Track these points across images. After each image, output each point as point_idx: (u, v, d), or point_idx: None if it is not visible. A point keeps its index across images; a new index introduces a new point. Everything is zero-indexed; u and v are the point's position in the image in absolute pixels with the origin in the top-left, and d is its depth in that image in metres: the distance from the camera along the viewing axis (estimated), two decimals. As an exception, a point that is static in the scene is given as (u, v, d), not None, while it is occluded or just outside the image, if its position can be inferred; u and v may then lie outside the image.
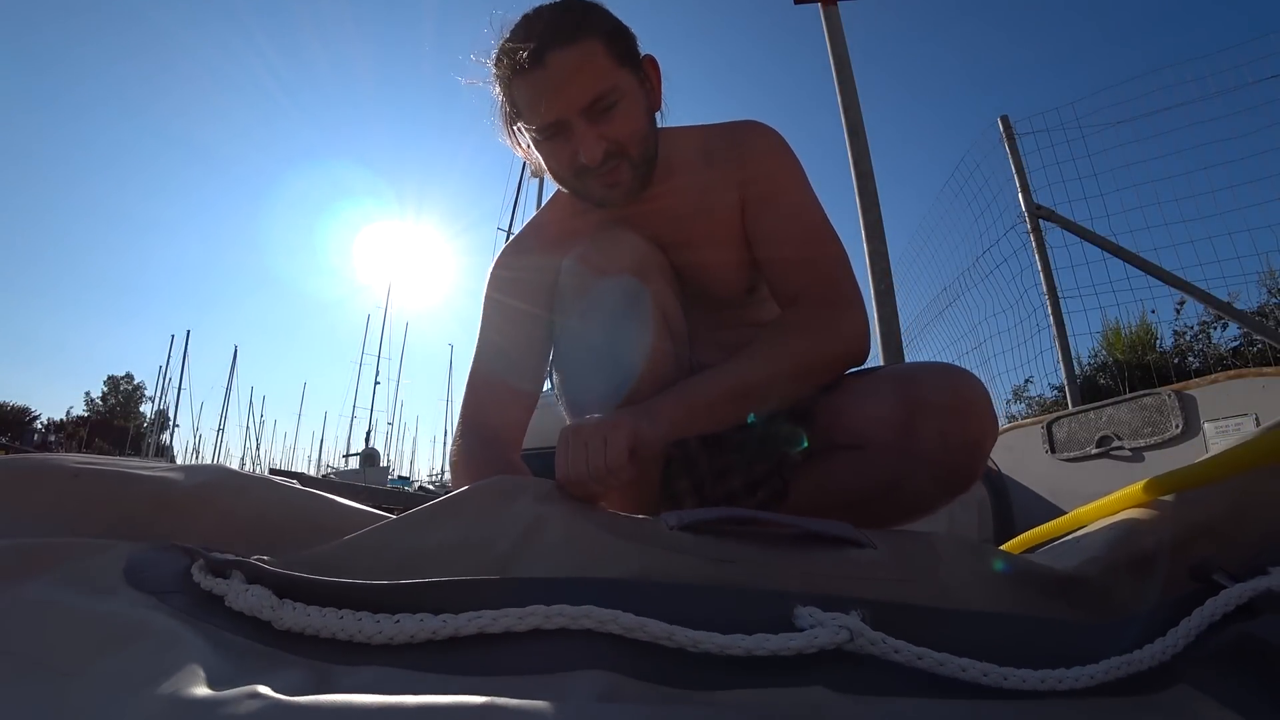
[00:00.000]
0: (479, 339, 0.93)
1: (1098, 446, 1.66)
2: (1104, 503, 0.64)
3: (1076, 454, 1.71)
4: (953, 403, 0.74)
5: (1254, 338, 3.46)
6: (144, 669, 0.30)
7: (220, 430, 34.48)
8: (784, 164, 0.89)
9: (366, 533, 0.47)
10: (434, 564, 0.43)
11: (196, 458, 39.37)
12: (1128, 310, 2.69)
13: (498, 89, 0.82)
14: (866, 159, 2.30)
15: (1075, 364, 2.66)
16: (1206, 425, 1.46)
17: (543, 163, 0.84)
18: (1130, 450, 1.59)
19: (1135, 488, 0.58)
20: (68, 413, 47.75)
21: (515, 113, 0.81)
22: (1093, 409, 1.70)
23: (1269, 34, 2.32)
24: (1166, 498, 0.55)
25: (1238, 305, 2.78)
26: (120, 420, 45.57)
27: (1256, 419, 1.38)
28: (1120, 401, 1.64)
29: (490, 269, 0.95)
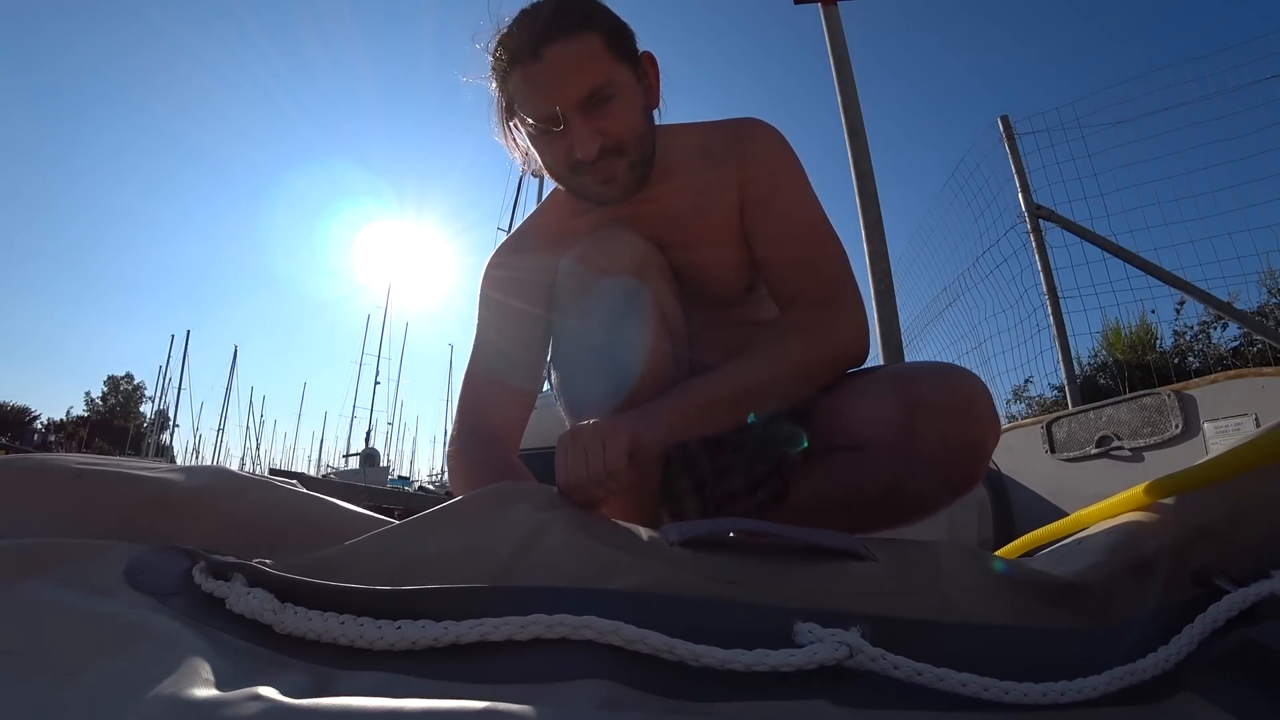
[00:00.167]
0: (475, 338, 0.93)
1: (1098, 446, 1.66)
2: (1104, 505, 0.64)
3: (1076, 454, 1.71)
4: (954, 403, 0.73)
5: (1254, 338, 3.46)
6: (144, 670, 0.30)
7: (220, 430, 34.48)
8: (784, 163, 0.89)
9: (368, 538, 0.47)
10: (435, 570, 0.43)
11: (196, 458, 39.37)
12: (1128, 310, 2.69)
13: (494, 84, 0.82)
14: (866, 159, 2.30)
15: (1075, 364, 2.66)
16: (1206, 425, 1.46)
17: (539, 158, 0.83)
18: (1130, 450, 1.59)
19: (1135, 490, 0.58)
20: (68, 413, 47.78)
21: (511, 107, 0.81)
22: (1093, 409, 1.70)
23: (1269, 34, 2.32)
24: (1167, 500, 0.55)
25: (1238, 305, 2.79)
26: (120, 420, 45.55)
27: (1256, 419, 1.38)
28: (1120, 401, 1.64)
29: (485, 268, 0.95)
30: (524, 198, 13.01)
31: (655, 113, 0.86)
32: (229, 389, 34.61)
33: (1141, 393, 1.61)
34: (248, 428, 36.98)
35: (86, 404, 48.45)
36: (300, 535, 0.51)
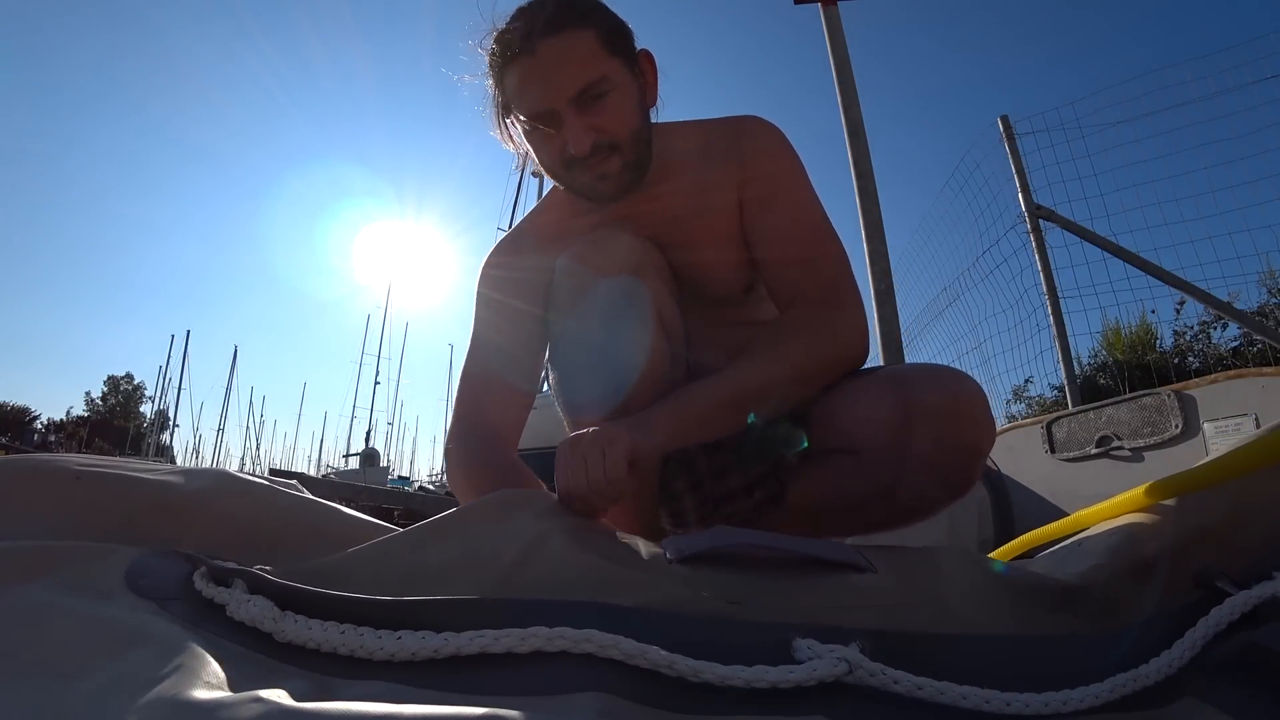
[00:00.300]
0: (473, 337, 0.93)
1: (1097, 446, 1.66)
2: (1104, 506, 0.63)
3: (1076, 454, 1.71)
4: (948, 406, 0.73)
5: (1254, 338, 3.46)
6: (145, 674, 0.30)
7: (220, 430, 34.46)
8: (784, 163, 0.89)
9: (369, 545, 0.47)
10: (437, 580, 0.43)
11: (196, 458, 39.42)
12: (1128, 310, 2.70)
13: (490, 81, 0.82)
14: (866, 159, 2.30)
15: (1075, 364, 2.66)
16: (1206, 425, 1.46)
17: (533, 154, 0.83)
18: (1130, 450, 1.59)
19: (1136, 491, 0.58)
20: (68, 413, 47.79)
21: (506, 103, 0.81)
22: (1093, 409, 1.70)
23: (1269, 34, 2.32)
24: (1167, 502, 0.55)
25: (1238, 305, 2.79)
26: (120, 420, 45.55)
27: (1256, 419, 1.38)
28: (1120, 401, 1.64)
29: (482, 266, 0.95)
30: (524, 198, 13.01)
31: (654, 111, 0.86)
32: (229, 389, 34.63)
33: (1141, 393, 1.61)
34: (248, 428, 36.98)
35: (86, 404, 48.49)
36: (300, 539, 0.51)
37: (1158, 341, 4.13)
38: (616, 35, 0.79)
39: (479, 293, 0.93)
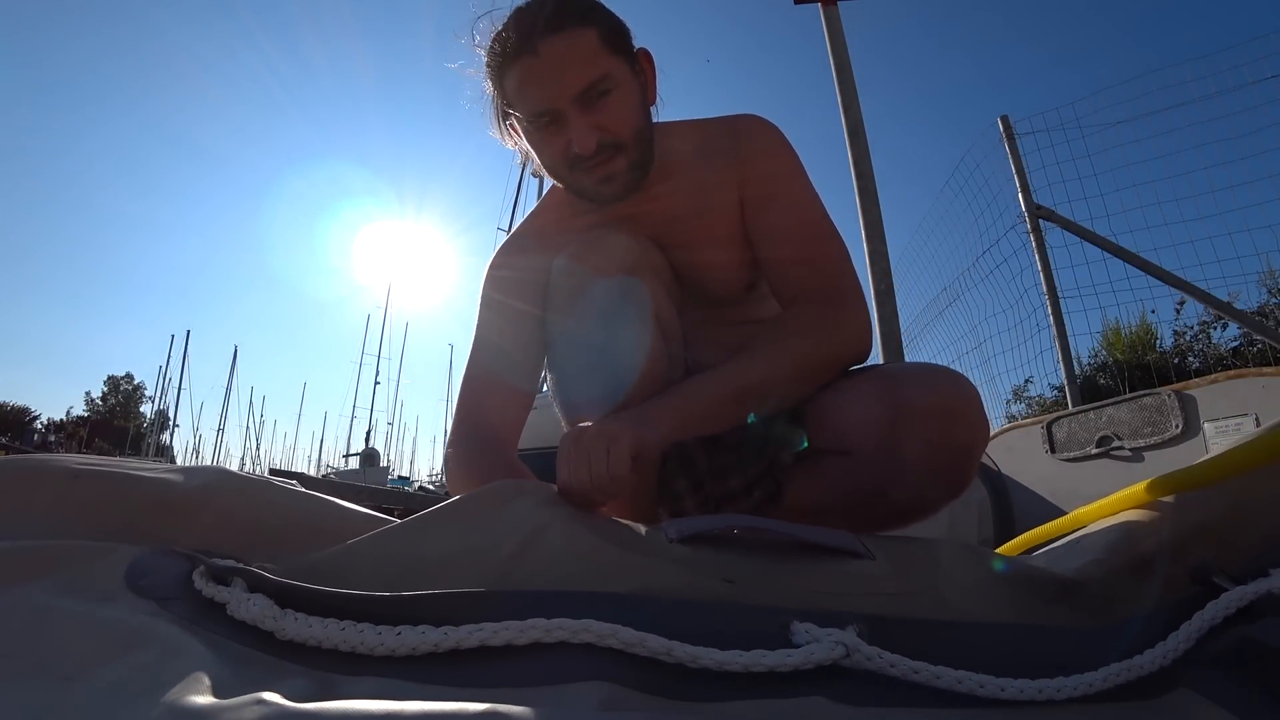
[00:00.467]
0: (475, 338, 0.92)
1: (1098, 446, 1.66)
2: (1103, 503, 0.64)
3: (1076, 454, 1.71)
4: (939, 406, 0.72)
5: (1254, 338, 3.46)
6: (146, 675, 0.30)
7: (220, 430, 34.48)
8: (783, 161, 0.89)
9: (367, 539, 0.47)
10: (435, 571, 0.43)
11: (196, 458, 39.37)
12: (1128, 310, 2.70)
13: (489, 81, 0.81)
14: (866, 159, 2.30)
15: (1075, 364, 2.66)
16: (1206, 425, 1.46)
17: (536, 157, 0.83)
18: (1130, 450, 1.59)
19: (1135, 489, 0.58)
20: (68, 413, 47.82)
21: (507, 104, 0.80)
22: (1093, 409, 1.70)
23: (1269, 34, 2.32)
24: (1166, 499, 0.55)
25: (1238, 305, 2.79)
26: (120, 420, 45.56)
27: (1256, 419, 1.38)
28: (1120, 401, 1.64)
29: (487, 268, 0.95)
30: (524, 198, 13.00)
31: (653, 110, 0.86)
32: (229, 389, 34.66)
33: (1141, 393, 1.61)
34: (248, 428, 37.03)
35: (86, 404, 48.52)
36: (300, 535, 0.51)
37: (1158, 341, 4.13)
38: (616, 34, 0.79)
39: (482, 294, 0.93)
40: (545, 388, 0.94)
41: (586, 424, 0.68)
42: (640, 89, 0.82)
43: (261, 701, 0.26)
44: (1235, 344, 3.92)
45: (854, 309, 0.82)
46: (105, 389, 49.35)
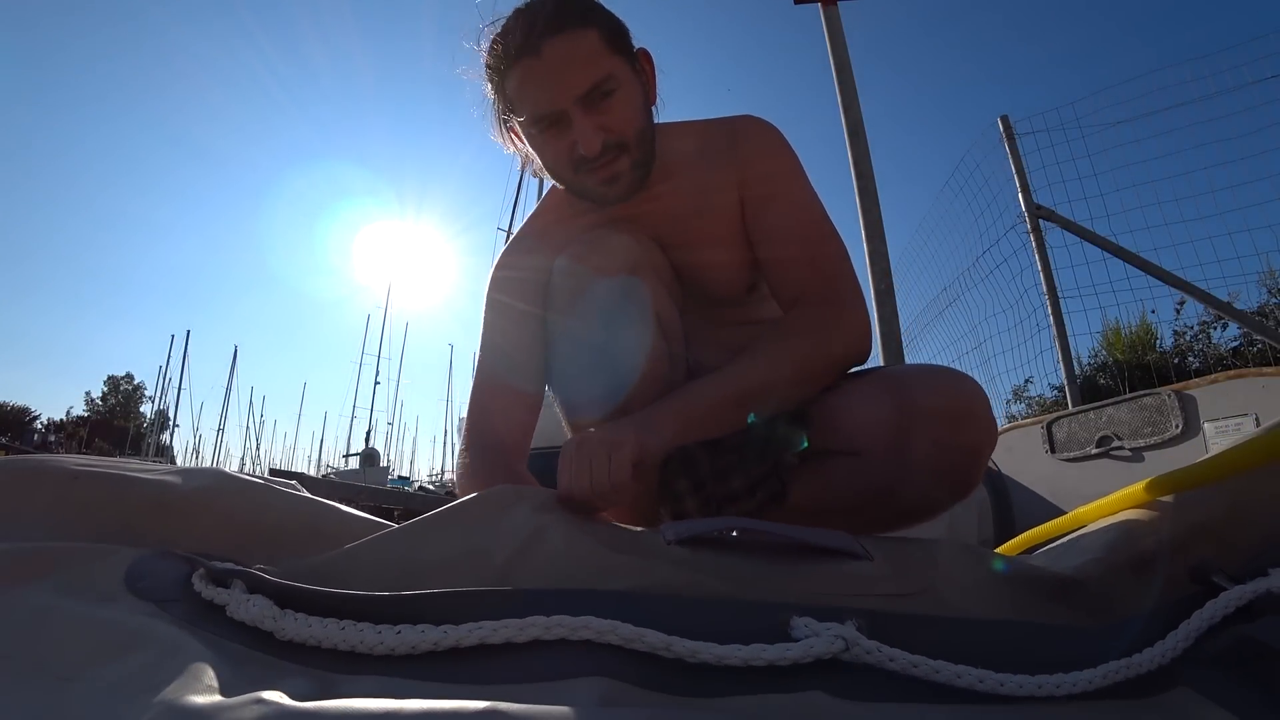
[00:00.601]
0: (481, 343, 0.92)
1: (1098, 446, 1.66)
2: (1103, 503, 0.64)
3: (1076, 454, 1.71)
4: (948, 407, 0.72)
5: (1254, 338, 3.46)
6: (146, 675, 0.30)
7: (220, 430, 34.48)
8: (783, 162, 0.89)
9: (367, 542, 0.47)
10: (434, 574, 0.43)
11: (196, 458, 39.41)
12: (1128, 310, 2.70)
13: (489, 85, 0.81)
14: (866, 159, 2.30)
15: (1075, 364, 2.66)
16: (1206, 425, 1.46)
17: (537, 158, 0.83)
18: (1130, 450, 1.59)
19: (1135, 488, 0.58)
20: (68, 413, 47.82)
21: (509, 106, 0.80)
22: (1093, 409, 1.70)
23: (1269, 34, 2.32)
24: (1166, 498, 0.55)
25: (1238, 305, 2.79)
26: (120, 420, 45.57)
27: (1256, 419, 1.38)
28: (1120, 401, 1.64)
29: (491, 270, 0.95)
30: (524, 198, 12.99)
31: (654, 110, 0.86)
32: (229, 389, 34.65)
33: (1141, 393, 1.61)
34: (248, 428, 37.02)
35: (86, 404, 48.52)
36: (299, 538, 0.51)
37: (1158, 341, 4.13)
38: (617, 34, 0.79)
39: (487, 297, 0.93)
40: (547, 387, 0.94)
41: (590, 431, 0.68)
42: (642, 89, 0.82)
43: (261, 700, 0.26)
44: (1235, 344, 3.92)
45: (853, 310, 0.82)
46: (105, 389, 49.38)
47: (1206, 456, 0.55)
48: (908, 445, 0.72)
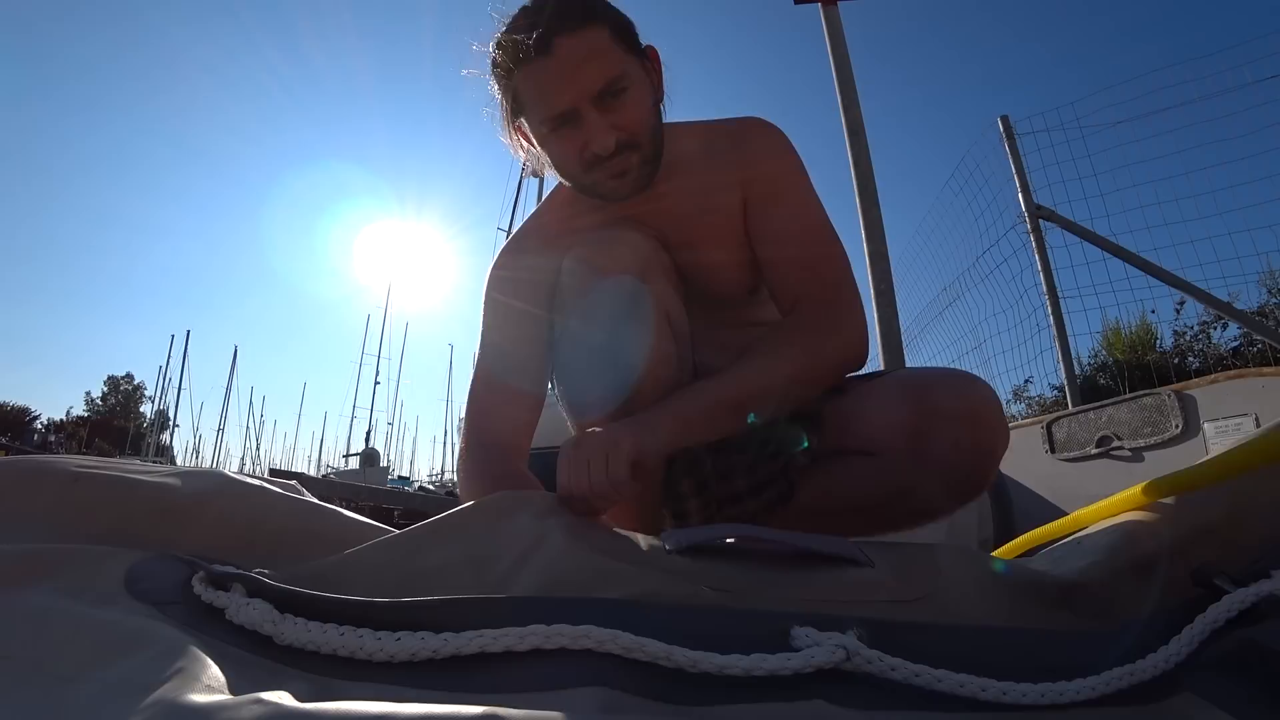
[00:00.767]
0: (480, 343, 0.92)
1: (1098, 446, 1.66)
2: (1103, 505, 0.64)
3: (1076, 454, 1.71)
4: (966, 410, 0.73)
5: (1254, 338, 3.46)
6: (144, 677, 0.29)
7: (220, 430, 34.45)
8: (787, 164, 0.89)
9: (368, 548, 0.47)
10: (435, 582, 0.43)
11: (196, 458, 39.43)
12: (1128, 310, 2.70)
13: (497, 85, 0.81)
14: (866, 159, 2.30)
15: (1075, 364, 2.66)
16: (1206, 425, 1.46)
17: (547, 158, 0.82)
18: (1130, 450, 1.59)
19: (1135, 490, 0.58)
20: (68, 412, 47.82)
21: (519, 107, 0.79)
22: (1093, 409, 1.70)
23: (1269, 34, 2.32)
24: (1167, 500, 0.55)
25: (1238, 305, 2.78)
26: (120, 420, 45.56)
27: (1256, 419, 1.38)
28: (1120, 401, 1.64)
29: (490, 270, 0.94)
30: (524, 198, 12.96)
31: (661, 107, 0.86)
32: (229, 389, 34.64)
33: (1141, 393, 1.61)
34: (248, 428, 37.03)
35: (86, 404, 48.53)
36: (299, 542, 0.51)
37: (1158, 341, 4.12)
38: (625, 31, 0.79)
39: (486, 297, 0.93)
40: (550, 387, 0.94)
41: (589, 430, 0.68)
42: (651, 86, 0.82)
43: (260, 701, 0.26)
44: (1235, 344, 3.92)
45: (852, 314, 0.83)
46: (105, 389, 49.39)
47: (1207, 458, 0.55)
48: (926, 446, 0.73)
